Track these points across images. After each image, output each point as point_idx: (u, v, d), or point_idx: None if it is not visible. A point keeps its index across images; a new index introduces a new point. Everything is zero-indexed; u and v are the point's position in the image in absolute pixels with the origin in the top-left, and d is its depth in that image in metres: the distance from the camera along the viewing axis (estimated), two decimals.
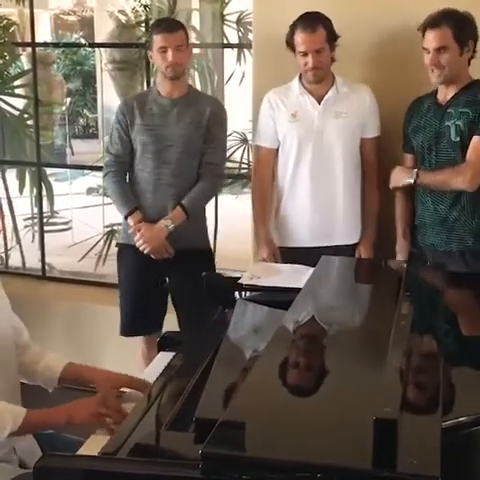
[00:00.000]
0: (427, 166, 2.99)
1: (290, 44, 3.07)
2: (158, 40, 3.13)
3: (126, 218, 3.24)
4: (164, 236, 3.18)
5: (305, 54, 3.02)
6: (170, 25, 3.18)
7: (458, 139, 2.89)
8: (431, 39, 2.85)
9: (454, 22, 2.83)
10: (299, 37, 3.02)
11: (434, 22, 2.85)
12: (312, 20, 3.01)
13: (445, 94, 2.96)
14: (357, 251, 3.21)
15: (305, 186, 3.15)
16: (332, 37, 3.04)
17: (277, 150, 3.20)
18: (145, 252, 3.20)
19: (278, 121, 3.16)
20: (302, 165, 3.14)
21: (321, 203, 3.15)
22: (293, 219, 3.21)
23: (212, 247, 3.56)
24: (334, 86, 3.12)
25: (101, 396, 1.92)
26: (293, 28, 3.04)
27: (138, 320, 3.34)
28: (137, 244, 3.20)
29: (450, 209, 2.95)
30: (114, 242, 4.87)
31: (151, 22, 4.29)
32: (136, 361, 3.30)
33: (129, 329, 3.39)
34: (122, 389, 2.07)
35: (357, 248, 3.22)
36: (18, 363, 2.14)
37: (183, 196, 3.20)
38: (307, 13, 3.04)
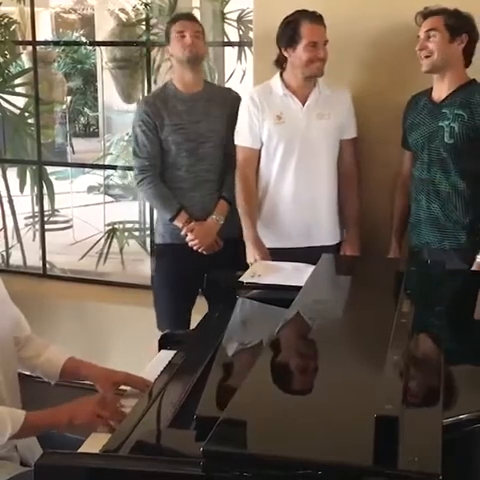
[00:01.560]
0: (421, 164, 3.00)
1: (292, 38, 3.02)
2: (176, 26, 3.19)
3: (172, 220, 3.23)
4: (216, 231, 3.24)
5: (315, 45, 2.99)
6: (187, 15, 3.30)
7: (452, 141, 2.89)
8: (423, 26, 2.89)
9: (450, 13, 2.86)
10: (308, 29, 2.99)
11: (429, 13, 2.89)
12: (317, 14, 3.02)
13: (440, 92, 2.96)
14: (342, 250, 3.19)
15: (290, 187, 3.14)
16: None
17: (260, 150, 3.18)
18: (199, 250, 3.22)
19: (263, 122, 3.13)
20: (288, 166, 3.13)
21: (305, 204, 3.14)
22: (276, 219, 3.19)
23: None
24: (316, 87, 3.11)
25: (100, 396, 1.92)
26: (296, 22, 3.01)
27: (177, 318, 3.33)
28: (191, 243, 3.21)
29: (443, 208, 2.96)
30: (115, 241, 4.89)
31: (152, 21, 4.31)
32: (145, 358, 3.29)
33: (170, 326, 3.36)
34: (121, 387, 2.07)
35: (342, 247, 3.20)
36: (19, 356, 2.15)
37: (220, 189, 3.26)
38: (304, 10, 3.03)
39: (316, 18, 3.01)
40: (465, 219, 2.94)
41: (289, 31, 3.04)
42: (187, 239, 3.22)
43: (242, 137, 3.20)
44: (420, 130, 2.98)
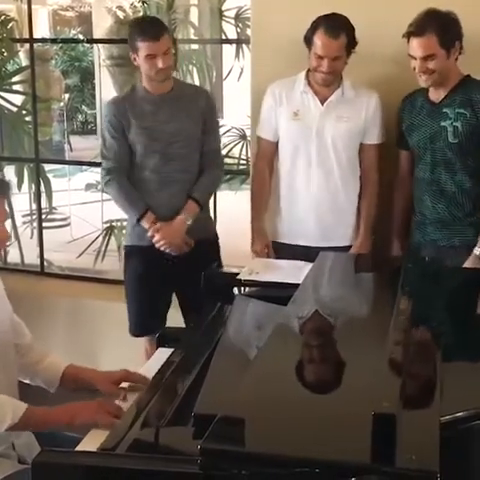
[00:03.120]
0: (424, 165, 2.99)
1: (308, 40, 2.98)
2: (144, 48, 3.05)
3: (138, 221, 3.19)
4: (184, 232, 3.18)
5: (321, 58, 2.95)
6: (155, 32, 3.04)
7: (456, 141, 2.89)
8: (416, 48, 2.81)
9: (438, 27, 2.78)
10: (319, 40, 2.92)
11: (418, 30, 2.80)
12: (336, 25, 2.92)
13: (437, 92, 2.94)
14: (352, 249, 3.18)
15: (301, 186, 3.14)
16: (352, 45, 2.97)
17: (277, 143, 3.19)
18: (167, 251, 3.18)
19: (280, 116, 3.13)
20: (299, 164, 3.12)
21: (317, 205, 3.13)
22: (289, 217, 3.19)
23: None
24: (340, 89, 3.07)
25: (101, 400, 1.92)
26: (315, 26, 2.94)
27: (147, 320, 3.31)
28: (158, 244, 3.16)
29: (448, 207, 2.96)
30: (113, 239, 4.89)
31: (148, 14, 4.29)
32: (141, 360, 3.29)
33: (140, 330, 3.36)
34: (122, 385, 2.07)
35: (353, 246, 3.18)
36: (20, 364, 2.15)
37: (190, 189, 3.21)
38: (334, 15, 2.94)
39: (333, 30, 2.90)
40: (472, 217, 2.94)
41: (309, 33, 2.98)
42: (154, 240, 3.17)
43: (261, 129, 3.21)
44: (421, 131, 2.97)
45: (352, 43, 2.97)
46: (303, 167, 3.12)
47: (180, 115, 3.18)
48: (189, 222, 3.18)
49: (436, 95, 2.95)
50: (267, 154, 3.21)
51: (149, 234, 3.17)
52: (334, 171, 3.11)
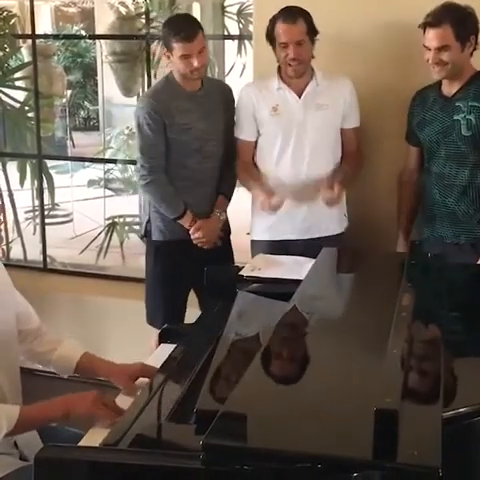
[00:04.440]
0: (436, 160, 2.99)
1: (270, 38, 3.05)
2: (179, 48, 3.04)
3: (177, 219, 3.22)
4: (220, 227, 3.28)
5: (286, 46, 3.00)
6: (189, 32, 3.03)
7: (469, 133, 2.88)
8: (431, 38, 2.82)
9: (454, 20, 2.79)
10: (280, 28, 3.00)
11: (434, 21, 2.81)
12: (292, 12, 3.01)
13: (450, 87, 2.95)
14: (321, 195, 3.08)
15: (287, 179, 3.14)
16: (312, 31, 3.02)
17: (256, 142, 3.20)
18: (205, 246, 3.24)
19: (258, 114, 3.14)
20: (285, 158, 3.13)
21: (304, 195, 3.14)
22: (277, 213, 3.17)
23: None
24: (314, 80, 3.11)
25: (97, 393, 1.91)
26: (274, 21, 3.03)
27: (177, 314, 3.33)
28: (197, 241, 3.23)
29: (458, 202, 2.95)
30: (115, 235, 4.89)
31: (152, 14, 4.29)
32: (146, 352, 3.29)
33: (170, 323, 3.37)
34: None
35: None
36: (29, 350, 2.14)
37: (219, 184, 3.28)
38: (288, 7, 3.03)
39: (290, 17, 2.99)
40: None
41: (269, 29, 3.06)
42: (193, 237, 3.23)
43: (240, 130, 3.22)
44: (433, 126, 2.97)
45: (313, 29, 3.03)
46: (289, 160, 3.13)
47: (212, 113, 3.21)
48: (223, 217, 3.30)
49: (449, 89, 2.95)
50: (248, 152, 3.23)
51: (191, 232, 3.23)
52: (320, 160, 3.12)
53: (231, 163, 3.26)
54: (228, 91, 3.35)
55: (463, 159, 2.92)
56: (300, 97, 3.11)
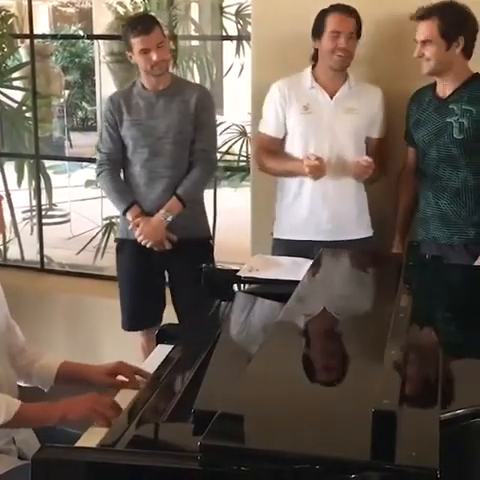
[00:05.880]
0: (429, 161, 2.99)
1: (317, 30, 3.03)
2: (137, 43, 3.12)
3: (124, 213, 3.25)
4: (163, 228, 3.21)
5: (338, 35, 2.99)
6: (145, 25, 3.12)
7: (461, 137, 2.89)
8: (418, 31, 2.85)
9: (444, 17, 2.80)
10: (334, 17, 3.00)
11: (424, 14, 2.83)
12: (347, 7, 3.02)
13: (444, 88, 2.95)
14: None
15: (313, 180, 3.10)
16: (359, 32, 3.04)
17: (282, 140, 3.18)
18: (147, 246, 3.21)
19: (288, 112, 3.13)
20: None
21: (330, 198, 3.12)
22: (299, 212, 3.17)
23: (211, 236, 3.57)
24: (347, 83, 3.11)
25: (95, 393, 1.92)
26: (324, 13, 3.02)
27: (139, 314, 3.34)
28: (138, 239, 3.21)
29: (451, 204, 2.96)
30: (113, 235, 4.88)
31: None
32: (137, 355, 3.30)
33: (131, 323, 3.40)
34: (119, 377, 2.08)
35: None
36: (14, 366, 2.15)
37: (178, 186, 3.22)
38: (340, 4, 3.03)
39: (345, 10, 3.01)
40: (474, 215, 2.94)
41: (318, 21, 3.05)
42: (135, 234, 3.23)
43: (265, 125, 3.21)
44: (427, 127, 2.97)
45: (359, 30, 3.04)
46: None
47: (172, 111, 3.21)
48: (169, 219, 3.20)
49: (444, 91, 2.95)
50: (269, 149, 3.20)
51: (129, 227, 3.25)
52: (346, 163, 3.10)
53: (198, 167, 3.24)
54: (197, 92, 3.29)
55: (455, 161, 2.92)
56: (332, 98, 3.10)
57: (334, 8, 3.03)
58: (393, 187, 3.20)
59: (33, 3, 4.46)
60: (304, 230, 3.15)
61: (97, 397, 1.89)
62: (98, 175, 3.34)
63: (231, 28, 4.53)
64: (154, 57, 3.11)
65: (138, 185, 3.26)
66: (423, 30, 2.84)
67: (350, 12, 3.01)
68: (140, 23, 3.16)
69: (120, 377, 2.09)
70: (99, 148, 3.35)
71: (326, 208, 3.13)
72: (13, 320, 2.21)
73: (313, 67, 3.13)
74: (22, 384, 2.18)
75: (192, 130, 3.23)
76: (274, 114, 3.16)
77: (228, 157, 4.61)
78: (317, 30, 3.05)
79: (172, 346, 2.20)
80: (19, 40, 5.15)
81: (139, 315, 3.35)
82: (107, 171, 3.29)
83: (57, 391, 2.17)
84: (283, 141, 3.19)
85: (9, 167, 4.81)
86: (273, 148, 3.20)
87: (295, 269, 2.50)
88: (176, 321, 3.25)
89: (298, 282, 2.21)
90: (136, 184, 3.27)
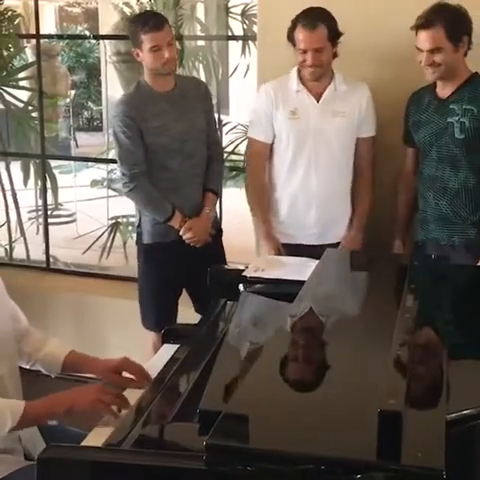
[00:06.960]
0: (429, 162, 2.98)
1: (291, 38, 3.02)
2: (148, 39, 3.02)
3: (166, 221, 3.20)
4: (210, 225, 3.27)
5: (304, 51, 2.98)
6: (157, 22, 3.04)
7: (462, 136, 2.88)
8: (424, 40, 2.82)
9: (446, 21, 2.78)
10: (299, 34, 2.96)
11: (426, 22, 2.80)
12: (313, 17, 2.95)
13: (445, 88, 2.94)
14: (341, 244, 3.15)
15: (301, 183, 3.12)
16: (334, 35, 2.98)
17: (271, 144, 3.17)
18: (197, 245, 3.22)
19: (276, 116, 3.12)
20: (299, 162, 3.11)
21: (316, 201, 3.13)
22: (288, 216, 3.18)
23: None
24: (332, 84, 3.08)
25: (101, 384, 1.93)
26: (295, 23, 2.98)
27: (169, 315, 3.32)
28: (189, 241, 3.20)
29: (451, 204, 2.95)
30: (119, 235, 4.89)
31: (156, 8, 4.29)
32: (147, 353, 3.30)
33: (158, 323, 3.34)
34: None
35: (342, 241, 3.16)
36: (19, 350, 2.15)
37: (206, 181, 3.26)
38: (310, 9, 2.98)
39: (310, 23, 2.94)
40: (474, 216, 2.94)
41: (290, 30, 3.01)
42: (185, 237, 3.20)
43: (255, 130, 3.20)
44: (427, 128, 2.97)
45: (335, 33, 2.98)
46: (303, 166, 3.11)
47: (188, 112, 3.19)
48: (213, 214, 3.30)
49: (444, 91, 2.94)
50: (262, 155, 3.20)
51: (181, 232, 3.20)
52: (333, 168, 3.11)
53: (217, 160, 3.28)
54: (203, 87, 3.33)
55: (456, 162, 2.91)
56: (318, 101, 3.08)
57: (301, 19, 2.95)
58: (392, 188, 3.20)
59: (39, 3, 4.46)
60: (291, 235, 3.18)
61: (103, 388, 1.89)
62: (129, 190, 3.17)
63: (237, 28, 4.52)
64: (166, 54, 3.04)
65: (171, 189, 3.18)
66: (430, 39, 2.80)
67: (315, 25, 2.92)
68: (152, 19, 3.07)
69: (125, 374, 2.09)
70: (124, 159, 3.17)
71: (314, 213, 3.13)
72: (13, 303, 2.20)
73: (299, 69, 3.10)
74: (26, 367, 2.19)
75: (206, 124, 3.24)
76: (262, 119, 3.16)
77: (234, 157, 4.61)
78: (291, 40, 3.02)
79: (177, 346, 2.20)
80: (25, 40, 5.16)
81: (169, 316, 3.33)
82: (138, 184, 3.15)
83: (60, 382, 2.18)
84: (272, 146, 3.17)
85: (15, 167, 4.82)
86: (263, 153, 3.19)
87: (301, 269, 2.49)
88: (187, 320, 3.24)
89: (304, 282, 2.21)
90: (168, 188, 3.18)
